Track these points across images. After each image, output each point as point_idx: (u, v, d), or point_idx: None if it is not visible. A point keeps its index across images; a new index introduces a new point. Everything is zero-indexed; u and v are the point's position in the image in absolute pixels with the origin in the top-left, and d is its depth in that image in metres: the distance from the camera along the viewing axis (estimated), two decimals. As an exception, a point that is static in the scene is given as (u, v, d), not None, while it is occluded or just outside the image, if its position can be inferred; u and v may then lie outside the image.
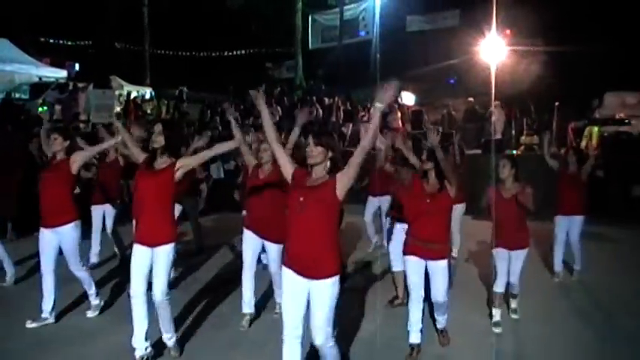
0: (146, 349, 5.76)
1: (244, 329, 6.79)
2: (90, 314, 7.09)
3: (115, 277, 8.72)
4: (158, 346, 5.95)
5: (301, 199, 4.56)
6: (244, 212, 7.50)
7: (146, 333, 5.75)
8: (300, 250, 4.62)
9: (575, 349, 6.45)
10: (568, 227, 8.98)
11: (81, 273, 6.98)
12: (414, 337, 6.08)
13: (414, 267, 6.05)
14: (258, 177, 6.73)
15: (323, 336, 4.62)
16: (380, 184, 9.73)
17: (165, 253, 5.66)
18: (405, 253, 6.14)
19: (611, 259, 10.68)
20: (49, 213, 6.71)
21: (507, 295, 7.35)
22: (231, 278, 8.65)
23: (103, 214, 9.30)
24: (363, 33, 35.42)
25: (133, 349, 5.72)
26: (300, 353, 4.74)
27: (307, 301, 4.65)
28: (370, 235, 10.66)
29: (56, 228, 6.70)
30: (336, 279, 4.60)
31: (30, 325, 6.71)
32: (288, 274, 4.70)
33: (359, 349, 6.20)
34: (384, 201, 9.90)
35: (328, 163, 4.66)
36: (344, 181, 4.52)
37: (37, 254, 6.98)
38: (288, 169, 4.81)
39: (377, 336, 6.50)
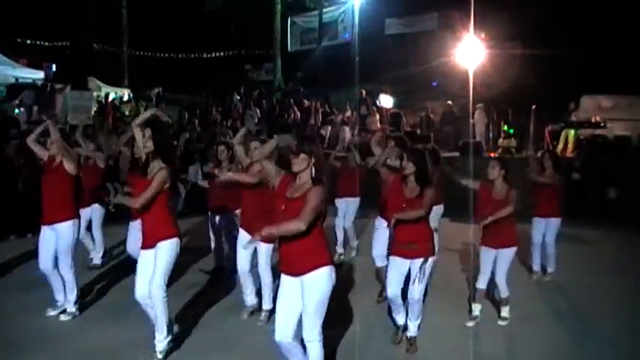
0: (168, 344, 5.89)
1: (244, 318, 7.14)
2: (63, 318, 7.02)
3: (97, 278, 8.71)
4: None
5: (282, 207, 4.75)
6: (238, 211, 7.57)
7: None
8: (287, 252, 4.77)
9: (551, 351, 6.49)
10: (544, 229, 9.10)
11: (68, 275, 6.97)
12: (400, 320, 6.32)
13: (395, 264, 6.15)
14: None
15: (313, 331, 4.74)
16: (349, 186, 9.83)
17: (164, 248, 5.73)
18: (390, 254, 6.28)
19: (586, 260, 10.76)
20: (48, 211, 6.87)
21: (497, 302, 7.42)
22: (209, 279, 8.71)
23: (89, 216, 9.29)
24: (347, 35, 35.44)
25: (111, 349, 5.69)
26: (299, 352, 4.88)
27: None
28: (341, 240, 10.56)
29: (54, 225, 6.84)
30: (324, 271, 4.72)
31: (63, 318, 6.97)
32: (282, 278, 4.90)
33: (345, 349, 6.21)
34: (351, 203, 10.00)
35: (313, 169, 4.78)
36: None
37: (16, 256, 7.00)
38: (275, 181, 4.97)
39: (357, 336, 6.51)
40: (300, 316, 4.80)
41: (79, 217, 7.13)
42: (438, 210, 9.11)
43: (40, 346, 6.22)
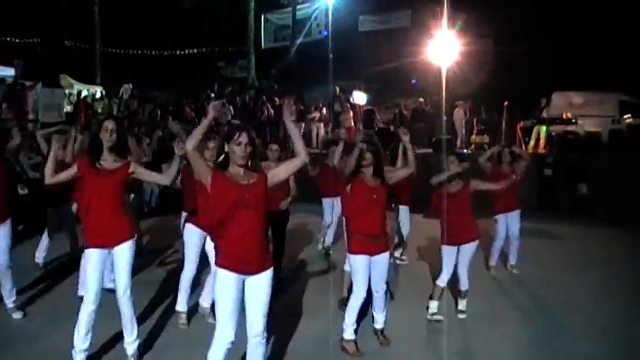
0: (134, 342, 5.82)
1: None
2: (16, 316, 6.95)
3: (60, 279, 8.64)
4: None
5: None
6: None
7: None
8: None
9: (519, 346, 6.58)
10: (507, 223, 9.22)
11: (4, 271, 6.88)
12: (350, 334, 6.21)
13: (363, 262, 6.11)
14: None
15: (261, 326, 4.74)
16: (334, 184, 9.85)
17: (126, 249, 5.60)
18: (355, 251, 6.15)
19: (556, 255, 10.92)
20: None
21: (455, 294, 7.48)
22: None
23: (59, 215, 9.21)
24: (326, 33, 35.45)
25: (71, 353, 5.61)
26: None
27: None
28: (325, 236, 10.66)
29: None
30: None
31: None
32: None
33: (320, 343, 6.26)
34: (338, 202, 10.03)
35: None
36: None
37: None
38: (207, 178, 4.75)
39: (329, 335, 6.53)
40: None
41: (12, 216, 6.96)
42: (405, 210, 9.23)
43: (10, 346, 6.17)
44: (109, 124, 5.58)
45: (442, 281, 7.14)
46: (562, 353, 6.42)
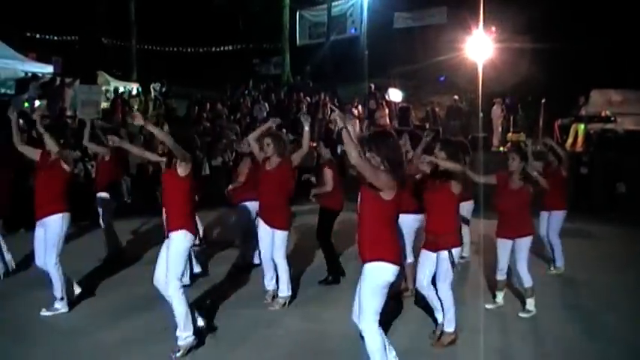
0: (186, 338, 5.87)
1: (267, 301, 7.48)
2: (44, 312, 6.97)
3: (109, 274, 8.74)
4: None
5: None
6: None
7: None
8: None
9: (557, 346, 6.50)
10: (547, 220, 9.16)
11: (53, 269, 6.94)
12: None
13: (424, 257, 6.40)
14: (265, 169, 7.40)
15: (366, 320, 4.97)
16: None
17: (175, 240, 5.89)
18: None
19: (593, 255, 10.77)
20: (38, 206, 6.95)
21: (521, 293, 7.57)
22: (227, 272, 8.77)
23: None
24: (353, 30, 35.39)
25: (119, 345, 5.70)
26: None
27: None
28: None
29: (42, 219, 6.91)
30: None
31: (44, 313, 6.90)
32: None
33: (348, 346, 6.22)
34: None
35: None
36: None
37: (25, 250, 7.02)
38: None
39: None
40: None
41: (69, 211, 7.09)
42: (467, 206, 9.06)
43: (53, 342, 6.24)
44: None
45: (502, 273, 7.40)
46: (598, 354, 6.34)
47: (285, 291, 7.44)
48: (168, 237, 5.95)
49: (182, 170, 5.85)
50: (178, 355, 5.79)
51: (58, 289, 6.99)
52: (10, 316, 6.95)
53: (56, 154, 6.93)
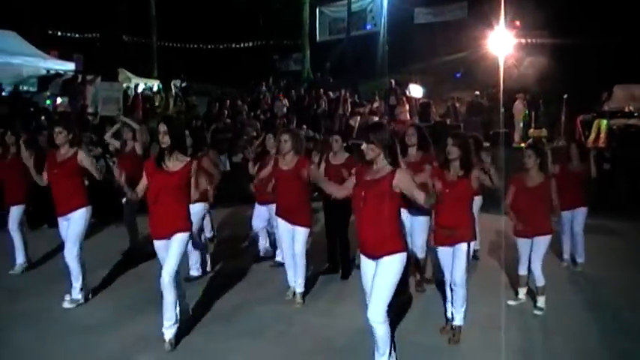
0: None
1: (289, 298, 7.47)
2: (66, 305, 7.12)
3: (130, 268, 8.81)
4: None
5: (362, 194, 5.09)
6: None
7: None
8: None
9: (579, 344, 6.43)
10: (571, 220, 9.11)
11: (73, 263, 7.08)
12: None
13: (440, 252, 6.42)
14: (280, 167, 7.35)
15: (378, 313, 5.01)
16: None
17: (178, 240, 5.91)
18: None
19: (615, 252, 10.65)
20: (60, 202, 7.05)
21: (533, 291, 7.47)
22: (244, 269, 8.78)
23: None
24: (369, 26, 35.33)
25: (147, 338, 5.76)
26: None
27: None
28: None
29: (67, 215, 7.03)
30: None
31: (65, 305, 7.06)
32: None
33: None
34: None
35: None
36: None
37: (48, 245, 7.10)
38: None
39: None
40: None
41: (91, 204, 7.22)
42: (477, 201, 9.01)
43: (75, 336, 6.28)
44: (161, 127, 5.89)
45: (523, 269, 7.44)
46: (622, 352, 6.27)
47: (301, 286, 7.46)
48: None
49: None
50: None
51: (79, 281, 7.16)
52: (33, 310, 7.01)
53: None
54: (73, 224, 7.02)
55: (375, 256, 5.05)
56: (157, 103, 25.18)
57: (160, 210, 5.91)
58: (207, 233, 10.00)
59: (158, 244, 6.03)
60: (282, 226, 7.41)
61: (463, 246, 6.11)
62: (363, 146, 5.06)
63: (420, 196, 4.93)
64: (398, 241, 5.07)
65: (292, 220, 7.29)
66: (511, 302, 7.42)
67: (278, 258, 8.91)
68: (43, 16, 32.77)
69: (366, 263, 5.19)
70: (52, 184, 7.12)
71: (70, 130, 7.17)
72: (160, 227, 5.96)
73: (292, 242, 7.34)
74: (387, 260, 4.98)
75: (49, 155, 7.27)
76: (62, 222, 7.14)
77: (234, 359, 5.94)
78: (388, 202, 4.97)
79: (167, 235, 5.92)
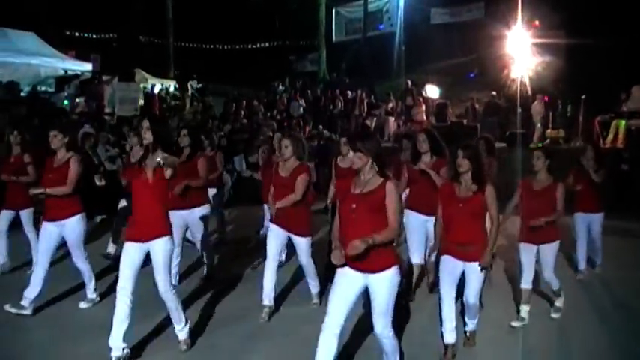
0: (123, 349, 5.69)
1: (264, 321, 6.84)
2: (83, 305, 7.20)
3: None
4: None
5: (353, 205, 4.86)
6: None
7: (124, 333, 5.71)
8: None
9: (598, 347, 6.38)
10: (588, 224, 8.84)
11: (84, 265, 7.16)
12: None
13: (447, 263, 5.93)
14: (279, 174, 7.03)
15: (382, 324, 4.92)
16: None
17: (161, 245, 5.72)
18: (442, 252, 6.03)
19: (634, 253, 10.54)
20: (53, 207, 6.92)
21: (547, 295, 7.39)
22: (252, 271, 8.76)
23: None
24: (382, 27, 35.32)
25: (165, 336, 5.78)
26: (335, 347, 4.94)
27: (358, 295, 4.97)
28: None
29: (61, 221, 6.91)
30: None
31: (8, 308, 6.82)
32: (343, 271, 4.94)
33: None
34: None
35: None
36: None
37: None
38: None
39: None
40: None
41: (84, 210, 7.14)
42: None
43: (94, 334, 6.27)
44: (144, 124, 5.80)
45: (526, 282, 6.90)
46: (638, 355, 6.22)
47: (316, 286, 7.39)
48: None
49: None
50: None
51: (92, 281, 7.28)
52: (47, 310, 7.06)
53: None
54: (71, 233, 6.95)
55: (365, 270, 4.81)
56: (173, 104, 25.29)
57: (140, 212, 5.78)
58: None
59: (131, 245, 5.79)
60: (273, 233, 7.02)
61: (477, 265, 5.74)
62: (350, 155, 4.90)
63: (391, 220, 4.76)
64: (390, 254, 4.87)
65: (290, 230, 6.98)
66: (514, 324, 6.83)
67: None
68: (60, 17, 32.99)
69: (348, 274, 4.88)
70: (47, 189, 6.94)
71: (65, 133, 7.04)
72: (137, 230, 5.79)
73: (281, 251, 7.29)
74: (383, 276, 4.81)
75: (47, 160, 7.14)
76: (51, 227, 6.92)
77: (249, 358, 5.94)
78: (382, 215, 4.78)
79: (145, 239, 5.76)
